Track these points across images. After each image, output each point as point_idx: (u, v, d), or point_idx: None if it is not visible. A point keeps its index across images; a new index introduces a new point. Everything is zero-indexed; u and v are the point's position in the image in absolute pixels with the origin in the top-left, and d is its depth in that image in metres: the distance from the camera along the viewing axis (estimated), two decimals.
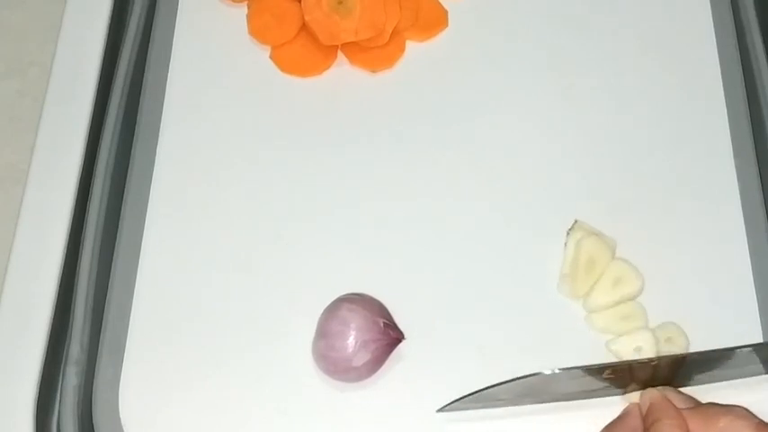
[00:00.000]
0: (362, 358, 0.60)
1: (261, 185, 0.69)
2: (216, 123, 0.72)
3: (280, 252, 0.67)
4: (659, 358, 0.59)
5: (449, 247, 0.66)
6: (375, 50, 0.73)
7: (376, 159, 0.70)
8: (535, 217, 0.67)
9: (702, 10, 0.75)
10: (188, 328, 0.64)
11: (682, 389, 0.59)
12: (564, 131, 0.71)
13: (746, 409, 0.56)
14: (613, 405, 0.60)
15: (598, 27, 0.75)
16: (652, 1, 0.76)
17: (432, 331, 0.63)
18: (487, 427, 0.60)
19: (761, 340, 0.62)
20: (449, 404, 0.59)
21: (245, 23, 0.75)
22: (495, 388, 0.58)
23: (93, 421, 0.61)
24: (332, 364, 0.61)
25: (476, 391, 0.58)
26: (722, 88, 0.72)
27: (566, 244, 0.65)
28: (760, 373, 0.61)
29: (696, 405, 0.58)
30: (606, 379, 0.58)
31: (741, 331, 0.62)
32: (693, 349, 0.61)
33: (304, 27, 0.73)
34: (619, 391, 0.60)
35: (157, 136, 0.71)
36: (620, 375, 0.58)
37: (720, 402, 0.57)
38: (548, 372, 0.57)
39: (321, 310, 0.62)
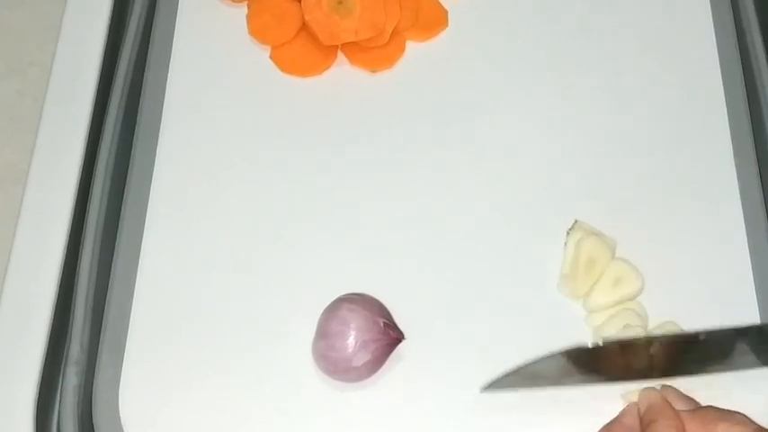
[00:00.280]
0: (362, 358, 0.60)
1: (261, 185, 0.69)
2: (216, 123, 0.72)
3: (280, 252, 0.67)
4: (706, 332, 0.58)
5: (449, 247, 0.66)
6: (375, 50, 0.73)
7: (376, 159, 0.70)
8: (535, 217, 0.67)
9: (702, 10, 0.75)
10: (188, 328, 0.64)
11: (689, 378, 0.60)
12: (564, 131, 0.71)
13: (745, 416, 0.56)
14: (612, 405, 0.60)
15: (598, 27, 0.75)
16: (652, 1, 0.76)
17: (432, 331, 0.63)
18: (488, 425, 0.60)
19: None
20: (492, 383, 0.59)
21: (245, 23, 0.75)
22: (539, 363, 0.57)
23: (93, 421, 0.61)
24: (332, 364, 0.61)
25: (520, 367, 0.58)
26: (722, 88, 0.72)
27: (566, 244, 0.65)
28: (757, 365, 0.61)
29: (696, 407, 0.58)
30: (651, 356, 0.58)
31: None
32: None
33: (304, 27, 0.73)
34: (656, 374, 0.60)
35: (157, 136, 0.71)
36: (665, 352, 0.58)
37: (720, 406, 0.57)
38: (590, 344, 0.57)
39: (321, 310, 0.62)
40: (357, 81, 0.73)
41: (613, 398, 0.60)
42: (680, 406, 0.57)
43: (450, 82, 0.73)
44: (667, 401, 0.57)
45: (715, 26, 0.74)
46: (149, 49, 0.74)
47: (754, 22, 0.73)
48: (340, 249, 0.66)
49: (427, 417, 0.61)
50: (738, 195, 0.67)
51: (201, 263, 0.66)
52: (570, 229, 0.65)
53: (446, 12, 0.76)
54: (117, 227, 0.67)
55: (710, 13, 0.75)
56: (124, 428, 0.61)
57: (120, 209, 0.68)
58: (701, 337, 0.58)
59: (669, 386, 0.59)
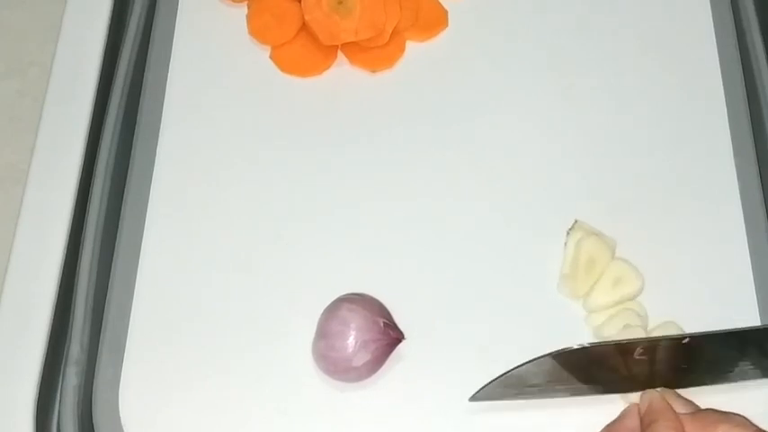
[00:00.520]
0: (362, 358, 0.60)
1: (261, 185, 0.69)
2: (216, 123, 0.72)
3: (280, 252, 0.67)
4: (691, 335, 0.58)
5: (449, 247, 0.66)
6: (375, 50, 0.73)
7: (376, 159, 0.70)
8: (535, 217, 0.67)
9: (702, 10, 0.75)
10: (188, 328, 0.64)
11: (686, 389, 0.59)
12: (564, 131, 0.71)
13: (746, 418, 0.56)
14: (612, 405, 0.60)
15: (598, 27, 0.75)
16: (652, 1, 0.76)
17: (432, 331, 0.63)
18: (488, 425, 0.60)
19: None
20: (479, 390, 0.59)
21: (245, 23, 0.75)
22: (524, 367, 0.57)
23: (93, 421, 0.61)
24: (332, 364, 0.61)
25: (504, 373, 0.57)
26: (722, 88, 0.72)
27: (566, 244, 0.65)
28: (758, 377, 0.61)
29: (696, 410, 0.58)
30: (637, 361, 0.58)
31: None
32: None
33: (304, 27, 0.73)
34: (643, 383, 0.59)
35: (157, 136, 0.71)
36: (650, 356, 0.57)
37: (720, 409, 0.57)
38: (576, 345, 0.57)
39: (321, 310, 0.62)
40: (357, 81, 0.73)
41: (614, 399, 0.60)
42: (680, 409, 0.57)
43: (450, 82, 0.73)
44: (668, 403, 0.57)
45: (715, 26, 0.74)
46: (149, 49, 0.74)
47: (753, 21, 0.73)
48: (340, 249, 0.66)
49: (427, 417, 0.61)
50: (738, 195, 0.67)
51: (201, 263, 0.66)
52: (570, 229, 0.65)
53: (446, 12, 0.76)
54: (117, 227, 0.67)
55: (710, 13, 0.75)
56: (124, 428, 0.61)
57: (120, 209, 0.68)
58: (685, 341, 0.58)
59: (669, 390, 0.59)
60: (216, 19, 0.76)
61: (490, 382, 0.58)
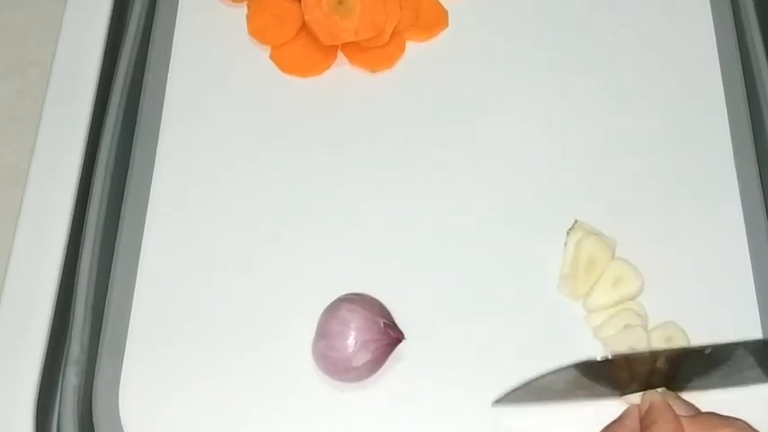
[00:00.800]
0: (362, 358, 0.60)
1: (261, 185, 0.69)
2: (216, 123, 0.72)
3: (280, 252, 0.67)
4: (713, 346, 0.58)
5: (449, 247, 0.66)
6: (375, 50, 0.73)
7: (376, 159, 0.70)
8: (535, 217, 0.67)
9: (702, 10, 0.75)
10: (188, 328, 0.64)
11: (695, 392, 0.60)
12: (564, 131, 0.71)
13: (747, 423, 0.56)
14: (612, 407, 0.60)
15: (598, 27, 0.75)
16: (652, 1, 0.76)
17: (432, 331, 0.63)
18: (488, 425, 0.60)
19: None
20: (503, 396, 0.59)
21: (245, 23, 0.75)
22: (549, 377, 0.57)
23: (93, 421, 0.61)
24: (332, 364, 0.61)
25: (529, 381, 0.57)
26: (722, 88, 0.72)
27: (566, 244, 0.65)
28: (761, 380, 0.61)
29: (696, 413, 0.57)
30: (657, 370, 0.58)
31: (741, 331, 0.62)
32: None
33: (304, 27, 0.73)
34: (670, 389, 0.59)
35: (157, 136, 0.71)
36: (671, 365, 0.58)
37: (721, 413, 0.57)
38: (599, 358, 0.57)
39: (321, 310, 0.62)
40: (357, 81, 0.73)
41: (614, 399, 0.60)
42: (681, 411, 0.57)
43: (450, 82, 0.73)
44: (668, 404, 0.57)
45: (715, 26, 0.74)
46: (149, 49, 0.74)
47: (754, 21, 0.73)
48: (340, 249, 0.66)
49: (427, 417, 0.61)
50: (738, 195, 0.67)
51: (201, 263, 0.66)
52: (570, 229, 0.65)
53: (446, 12, 0.76)
54: (117, 227, 0.67)
55: (710, 13, 0.75)
56: (124, 428, 0.61)
57: (120, 209, 0.68)
58: (707, 351, 0.58)
59: (671, 392, 0.59)
60: (216, 19, 0.76)
61: (515, 390, 0.58)
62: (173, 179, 0.70)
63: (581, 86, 0.72)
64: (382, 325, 0.61)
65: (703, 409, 0.58)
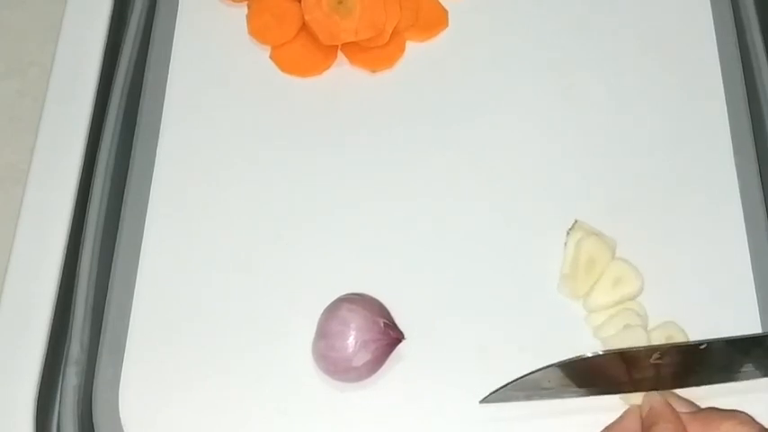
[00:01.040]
0: (362, 358, 0.60)
1: (261, 185, 0.69)
2: (216, 123, 0.72)
3: (280, 252, 0.67)
4: (708, 341, 0.58)
5: (449, 247, 0.66)
6: (375, 50, 0.73)
7: (376, 159, 0.70)
8: (535, 217, 0.67)
9: (702, 9, 0.75)
10: (188, 328, 0.64)
11: (693, 388, 0.60)
12: (564, 131, 0.71)
13: (749, 416, 0.56)
14: (613, 410, 0.60)
15: (598, 27, 0.75)
16: (652, 1, 0.76)
17: (432, 331, 0.63)
18: (488, 425, 0.60)
19: None
20: (491, 393, 0.59)
21: (245, 23, 0.75)
22: (539, 373, 0.57)
23: (93, 421, 0.61)
24: (332, 364, 0.61)
25: (519, 378, 0.58)
26: (722, 87, 0.71)
27: (566, 244, 0.65)
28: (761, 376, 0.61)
29: (697, 410, 0.57)
30: (652, 365, 0.58)
31: (741, 331, 0.62)
32: None
33: (304, 27, 0.73)
34: (663, 384, 0.59)
35: (157, 136, 0.71)
36: (666, 361, 0.58)
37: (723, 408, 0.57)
38: (590, 354, 0.57)
39: (321, 310, 0.62)
40: (357, 81, 0.73)
41: (613, 399, 0.60)
42: (681, 408, 0.57)
43: (450, 82, 0.73)
44: (669, 404, 0.57)
45: (715, 25, 0.74)
46: (149, 49, 0.74)
47: (754, 20, 0.73)
48: (340, 249, 0.66)
49: (427, 417, 0.61)
50: (738, 195, 0.67)
51: (201, 263, 0.66)
52: (570, 229, 0.65)
53: (446, 12, 0.76)
54: (117, 227, 0.67)
55: (710, 13, 0.75)
56: (124, 428, 0.61)
57: (120, 209, 0.68)
58: (702, 347, 0.58)
59: (671, 392, 0.59)
60: (216, 19, 0.76)
61: (502, 387, 0.59)
62: (173, 179, 0.70)
63: (581, 86, 0.72)
64: (382, 325, 0.61)
65: (701, 406, 0.58)
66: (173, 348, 0.63)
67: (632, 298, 0.63)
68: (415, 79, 0.73)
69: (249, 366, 0.63)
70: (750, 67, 0.72)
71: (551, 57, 0.74)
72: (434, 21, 0.75)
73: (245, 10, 0.75)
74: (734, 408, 0.58)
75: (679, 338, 0.61)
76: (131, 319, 0.64)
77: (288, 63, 0.74)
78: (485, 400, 0.59)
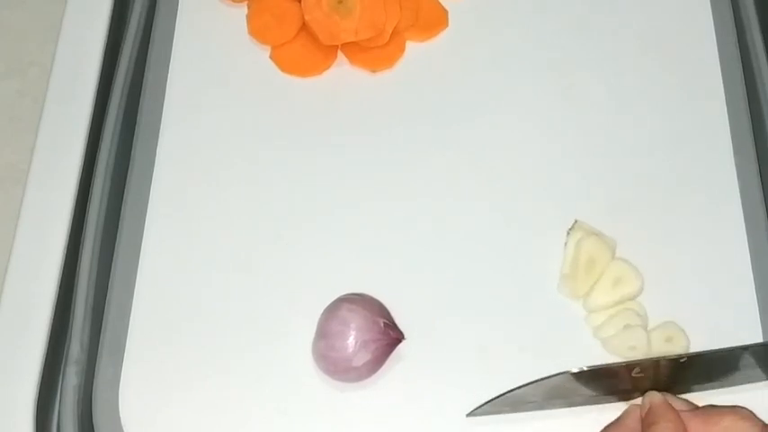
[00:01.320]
0: (362, 358, 0.60)
1: (261, 185, 0.69)
2: (216, 123, 0.72)
3: (280, 252, 0.67)
4: (687, 355, 0.59)
5: (449, 247, 0.66)
6: (375, 50, 0.73)
7: (376, 159, 0.70)
8: (535, 217, 0.67)
9: (702, 9, 0.75)
10: (188, 328, 0.64)
11: (696, 393, 0.60)
12: (564, 131, 0.71)
13: (751, 411, 0.56)
14: (614, 409, 0.60)
15: (598, 27, 0.75)
16: (652, 1, 0.76)
17: (432, 331, 0.63)
18: (488, 425, 0.60)
19: (761, 340, 0.62)
20: (478, 408, 0.59)
21: (245, 23, 0.75)
22: (524, 389, 0.58)
23: (93, 421, 0.61)
24: (332, 364, 0.61)
25: (503, 393, 0.58)
26: (722, 87, 0.72)
27: (566, 244, 0.65)
28: (761, 379, 0.61)
29: (697, 408, 0.57)
30: (634, 378, 0.58)
31: (741, 331, 0.62)
32: (693, 349, 0.61)
33: (304, 27, 0.73)
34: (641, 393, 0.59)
35: (157, 136, 0.71)
36: (648, 373, 0.58)
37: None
38: (575, 369, 0.57)
39: (321, 310, 0.62)
40: (357, 81, 0.73)
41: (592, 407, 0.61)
42: (681, 407, 0.57)
43: (450, 82, 0.73)
44: (669, 404, 0.57)
45: (715, 25, 0.74)
46: (149, 49, 0.74)
47: (754, 20, 0.73)
48: (340, 249, 0.66)
49: (427, 416, 0.61)
50: (738, 195, 0.67)
51: (201, 263, 0.66)
52: (570, 229, 0.65)
53: (446, 12, 0.76)
54: (117, 227, 0.67)
55: (710, 13, 0.75)
56: (124, 428, 0.61)
57: (120, 209, 0.68)
58: (683, 360, 0.58)
59: (668, 393, 0.59)
60: (216, 19, 0.76)
61: (487, 402, 0.59)
62: (173, 179, 0.70)
63: (581, 86, 0.72)
64: (382, 325, 0.61)
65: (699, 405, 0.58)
66: (173, 348, 0.63)
67: (632, 298, 0.63)
68: (415, 79, 0.73)
69: (249, 366, 0.63)
70: (750, 67, 0.72)
71: (551, 57, 0.74)
72: (434, 21, 0.75)
73: (245, 10, 0.75)
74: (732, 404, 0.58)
75: (679, 338, 0.61)
76: (131, 319, 0.64)
77: (288, 63, 0.74)
78: (471, 414, 0.60)
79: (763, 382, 0.61)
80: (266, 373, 0.62)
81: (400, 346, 0.61)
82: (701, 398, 0.59)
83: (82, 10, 0.74)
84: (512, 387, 0.58)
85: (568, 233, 0.65)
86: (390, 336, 0.61)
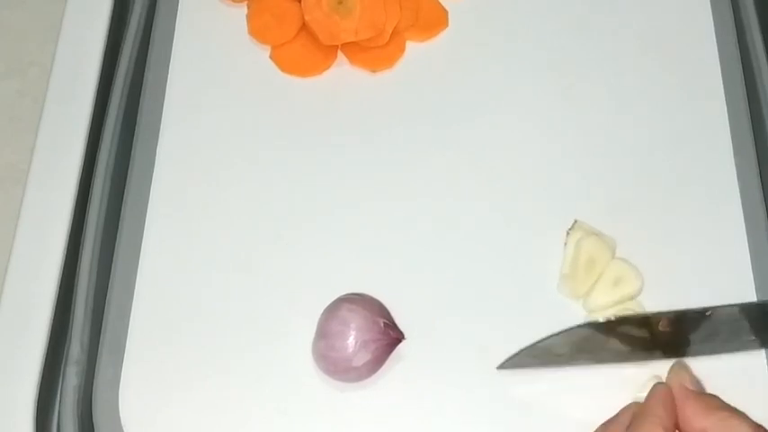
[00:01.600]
0: (362, 358, 0.60)
1: (261, 185, 0.69)
2: (216, 123, 0.72)
3: (280, 252, 0.67)
4: (714, 308, 0.60)
5: (449, 247, 0.66)
6: (375, 50, 0.73)
7: (376, 159, 0.70)
8: (535, 217, 0.67)
9: (702, 9, 0.75)
10: (188, 328, 0.64)
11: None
12: (564, 131, 0.71)
13: (747, 415, 0.56)
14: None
15: (598, 27, 0.75)
16: (652, 1, 0.76)
17: (432, 331, 0.63)
18: (488, 425, 0.60)
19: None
20: (507, 359, 0.60)
21: (245, 23, 0.75)
22: (552, 339, 0.59)
23: (93, 421, 0.61)
24: (332, 364, 0.61)
25: (532, 344, 0.59)
26: (722, 87, 0.72)
27: (566, 244, 0.65)
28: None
29: (701, 393, 0.58)
30: (660, 333, 0.59)
31: None
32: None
33: (304, 27, 0.73)
34: (671, 352, 0.61)
35: (157, 136, 0.71)
36: (673, 327, 0.59)
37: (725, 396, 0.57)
38: (602, 319, 0.58)
39: (321, 310, 0.62)
40: (357, 81, 0.73)
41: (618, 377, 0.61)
42: (689, 385, 0.57)
43: (450, 82, 0.73)
44: (664, 399, 0.57)
45: (715, 25, 0.74)
46: (149, 49, 0.74)
47: (754, 20, 0.73)
48: (340, 249, 0.66)
49: (427, 417, 0.61)
50: (738, 195, 0.67)
51: (201, 263, 0.66)
52: (570, 229, 0.65)
53: (446, 12, 0.76)
54: (117, 227, 0.68)
55: (710, 13, 0.75)
56: (124, 428, 0.61)
57: (120, 209, 0.68)
58: (708, 314, 0.59)
59: (683, 367, 0.59)
60: (216, 19, 0.76)
61: (517, 353, 0.60)
62: (173, 179, 0.70)
63: (581, 86, 0.72)
64: (382, 325, 0.61)
65: (704, 377, 0.59)
66: (173, 348, 0.63)
67: (632, 298, 0.63)
68: (415, 79, 0.73)
69: (249, 366, 0.63)
70: (750, 67, 0.72)
71: (551, 57, 0.74)
72: (434, 21, 0.75)
73: (245, 10, 0.75)
74: (734, 374, 0.59)
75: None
76: (131, 319, 0.64)
77: (288, 63, 0.74)
78: (501, 366, 0.60)
79: None
80: (266, 373, 0.62)
81: (400, 346, 0.61)
82: (720, 360, 0.61)
83: (82, 10, 0.74)
84: (537, 339, 0.60)
85: (568, 233, 0.65)
86: (390, 336, 0.61)
